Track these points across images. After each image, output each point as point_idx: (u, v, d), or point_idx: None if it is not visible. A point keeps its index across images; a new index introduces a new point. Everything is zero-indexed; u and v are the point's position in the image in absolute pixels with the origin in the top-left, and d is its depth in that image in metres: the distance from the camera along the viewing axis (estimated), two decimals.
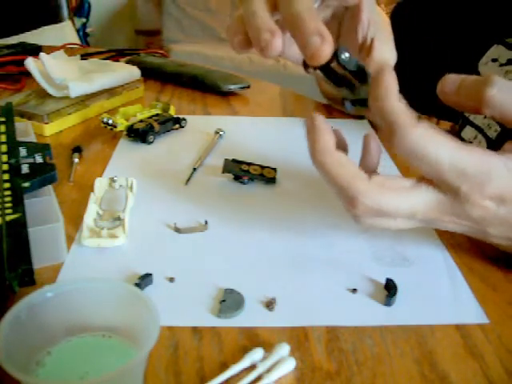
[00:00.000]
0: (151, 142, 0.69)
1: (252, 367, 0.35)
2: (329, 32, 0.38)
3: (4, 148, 0.55)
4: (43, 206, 0.49)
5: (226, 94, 0.89)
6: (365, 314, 0.41)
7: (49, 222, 0.45)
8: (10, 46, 1.04)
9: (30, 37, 1.38)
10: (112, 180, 0.56)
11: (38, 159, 0.56)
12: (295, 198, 0.57)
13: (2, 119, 0.61)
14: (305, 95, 0.92)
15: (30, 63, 0.77)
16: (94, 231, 0.49)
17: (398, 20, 0.75)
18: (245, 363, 0.36)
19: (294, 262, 0.47)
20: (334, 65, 0.38)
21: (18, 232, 0.43)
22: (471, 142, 0.62)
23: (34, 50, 0.99)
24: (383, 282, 0.44)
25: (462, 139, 0.64)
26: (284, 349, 0.37)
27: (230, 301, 0.41)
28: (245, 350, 0.36)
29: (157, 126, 0.69)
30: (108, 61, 0.93)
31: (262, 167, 0.61)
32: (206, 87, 0.91)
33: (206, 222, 0.51)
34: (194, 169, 0.62)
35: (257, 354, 0.36)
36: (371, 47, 0.48)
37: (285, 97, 0.93)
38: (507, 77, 0.59)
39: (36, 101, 0.76)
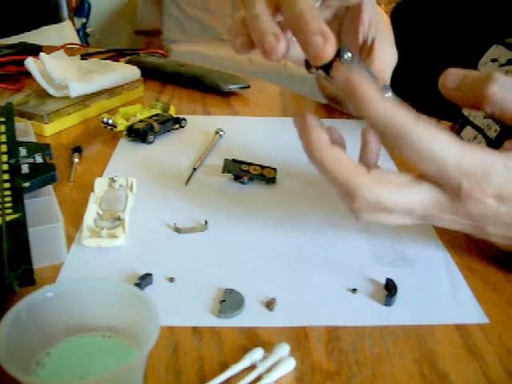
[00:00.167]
0: (151, 142, 0.69)
1: (252, 367, 0.35)
2: (331, 31, 0.38)
3: (4, 148, 0.55)
4: (43, 206, 0.49)
5: (226, 94, 0.89)
6: (365, 314, 0.41)
7: (49, 222, 0.45)
8: (10, 46, 1.04)
9: (30, 37, 1.38)
10: (112, 180, 0.56)
11: (38, 159, 0.56)
12: (295, 197, 0.57)
13: (2, 119, 0.61)
14: (305, 95, 0.92)
15: (30, 63, 0.77)
16: (93, 231, 0.49)
17: (397, 20, 0.75)
18: (245, 363, 0.36)
19: (294, 262, 0.47)
20: (336, 64, 0.38)
21: (18, 232, 0.43)
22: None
23: (34, 50, 0.99)
24: (383, 282, 0.44)
25: (462, 139, 0.64)
26: (284, 349, 0.37)
27: (230, 301, 0.41)
28: (245, 350, 0.36)
29: (157, 126, 0.69)
30: (108, 61, 0.93)
31: (262, 167, 0.61)
32: (206, 87, 0.91)
33: (206, 222, 0.51)
34: (194, 169, 0.62)
35: (257, 354, 0.36)
36: (372, 48, 0.48)
37: (285, 97, 0.93)
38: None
39: (36, 101, 0.76)
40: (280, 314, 0.41)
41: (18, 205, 0.46)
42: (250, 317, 0.41)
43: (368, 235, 0.51)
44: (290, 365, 0.36)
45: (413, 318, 0.41)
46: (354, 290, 0.44)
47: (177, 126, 0.73)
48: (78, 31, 2.69)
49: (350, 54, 0.38)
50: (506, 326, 0.41)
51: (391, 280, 0.44)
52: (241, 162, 0.60)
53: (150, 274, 0.43)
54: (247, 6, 0.41)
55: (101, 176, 0.59)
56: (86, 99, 0.77)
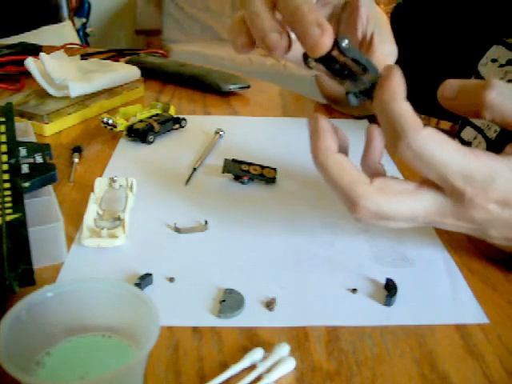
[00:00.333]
0: (151, 142, 0.69)
1: (252, 367, 0.36)
2: (328, 23, 0.38)
3: (4, 148, 0.55)
4: (43, 206, 0.49)
5: (226, 94, 0.89)
6: (365, 314, 0.41)
7: (49, 222, 0.45)
8: (10, 46, 1.04)
9: (30, 37, 1.38)
10: (112, 180, 0.56)
11: (38, 159, 0.56)
12: (295, 197, 0.57)
13: (2, 119, 0.61)
14: (305, 95, 0.92)
15: (30, 63, 0.77)
16: (93, 231, 0.49)
17: (397, 20, 0.75)
18: (245, 363, 0.36)
19: (294, 262, 0.47)
20: (335, 53, 0.38)
21: (18, 232, 0.43)
22: (470, 143, 0.62)
23: (34, 50, 0.99)
24: (383, 282, 0.44)
25: (462, 140, 0.64)
26: (284, 349, 0.37)
27: (229, 301, 0.41)
28: (245, 350, 0.36)
29: (157, 126, 0.69)
30: (108, 61, 0.93)
31: (262, 167, 0.61)
32: (206, 87, 0.91)
33: (206, 222, 0.51)
34: (194, 169, 0.62)
35: (257, 354, 0.36)
36: (371, 43, 0.48)
37: (285, 97, 0.93)
38: (507, 77, 0.59)
39: (36, 101, 0.76)
40: (280, 314, 0.41)
41: (18, 205, 0.46)
42: (250, 317, 0.41)
43: (368, 235, 0.51)
44: (289, 365, 0.36)
45: (413, 318, 0.41)
46: (354, 290, 0.44)
47: (177, 126, 0.73)
48: (77, 31, 2.69)
49: (347, 41, 0.38)
50: (506, 326, 0.41)
51: (391, 280, 0.44)
52: (241, 162, 0.61)
53: (150, 274, 0.43)
54: (246, 4, 0.41)
55: (101, 176, 0.59)
56: (85, 99, 0.77)
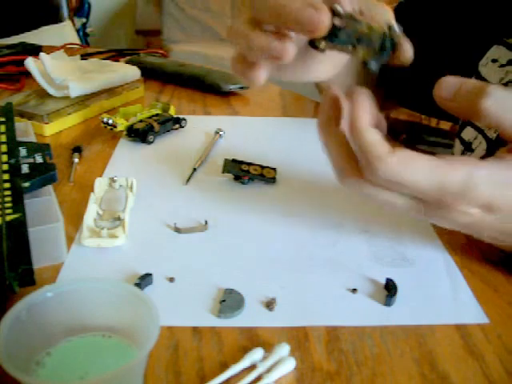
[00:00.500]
0: (151, 142, 0.69)
1: (252, 367, 0.35)
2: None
3: (4, 148, 0.55)
4: (43, 206, 0.49)
5: (226, 94, 0.89)
6: (365, 314, 0.41)
7: (49, 222, 0.45)
8: (10, 46, 1.04)
9: (30, 37, 1.38)
10: (112, 180, 0.56)
11: (38, 159, 0.56)
12: (295, 198, 0.57)
13: (2, 119, 0.61)
14: (305, 95, 0.92)
15: (30, 63, 0.77)
16: (93, 231, 0.49)
17: (398, 20, 0.75)
18: (245, 363, 0.36)
19: (294, 262, 0.47)
20: (336, 22, 0.38)
21: (18, 232, 0.43)
22: (471, 143, 0.62)
23: (34, 50, 0.99)
24: (383, 282, 0.44)
25: (462, 140, 0.64)
26: (284, 349, 0.37)
27: (229, 301, 0.41)
28: (245, 350, 0.36)
29: (157, 126, 0.69)
30: (108, 61, 0.94)
31: (262, 167, 0.61)
32: (206, 87, 0.91)
33: (206, 222, 0.51)
34: (194, 169, 0.62)
35: (257, 354, 0.36)
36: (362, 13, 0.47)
37: (285, 97, 0.93)
38: (507, 77, 0.59)
39: (36, 101, 0.76)
40: (280, 313, 0.41)
41: (18, 205, 0.46)
42: (250, 317, 0.41)
43: (368, 235, 0.51)
44: (290, 365, 0.36)
45: (413, 318, 0.41)
46: (354, 290, 0.44)
47: (177, 126, 0.73)
48: (78, 31, 2.69)
49: (340, 7, 0.38)
50: (506, 325, 0.41)
51: (391, 280, 0.44)
52: (241, 162, 0.60)
53: (150, 274, 0.43)
54: (238, 36, 0.41)
55: (101, 176, 0.59)
56: (85, 99, 0.77)
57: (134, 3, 3.24)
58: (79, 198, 0.55)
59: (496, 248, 0.46)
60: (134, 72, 0.87)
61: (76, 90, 0.75)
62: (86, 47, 1.46)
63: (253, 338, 0.38)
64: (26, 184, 0.50)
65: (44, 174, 0.52)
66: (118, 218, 0.51)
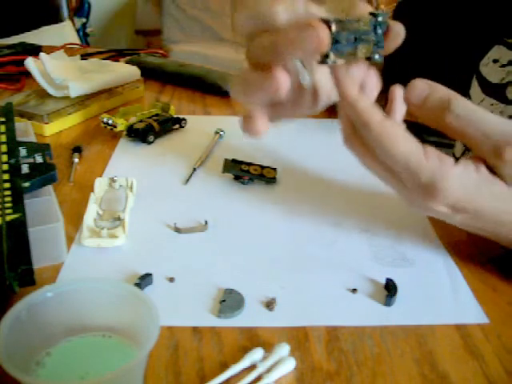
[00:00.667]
0: (151, 142, 0.69)
1: (252, 367, 0.36)
2: (309, 16, 0.38)
3: (4, 148, 0.55)
4: (43, 206, 0.49)
5: (226, 94, 0.89)
6: (365, 314, 0.41)
7: (49, 222, 0.45)
8: (10, 46, 1.04)
9: (30, 37, 1.38)
10: (112, 180, 0.56)
11: (38, 159, 0.56)
12: (295, 198, 0.57)
13: (2, 119, 0.62)
14: None
15: (30, 63, 0.77)
16: (93, 231, 0.49)
17: (399, 20, 0.75)
18: (245, 363, 0.36)
19: (294, 262, 0.47)
20: (334, 28, 0.38)
21: (18, 232, 0.43)
22: None
23: (34, 50, 0.99)
24: (383, 282, 0.44)
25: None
26: (284, 349, 0.37)
27: (229, 301, 0.41)
28: (245, 350, 0.36)
29: (157, 126, 0.69)
30: (108, 61, 0.93)
31: (262, 167, 0.61)
32: (206, 87, 0.91)
33: (206, 222, 0.51)
34: (194, 169, 0.62)
35: (257, 354, 0.36)
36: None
37: None
38: (508, 78, 0.59)
39: (36, 101, 0.76)
40: (280, 313, 0.41)
41: (18, 205, 0.46)
42: (250, 317, 0.41)
43: (368, 235, 0.51)
44: (290, 365, 0.36)
45: (413, 318, 0.41)
46: (354, 290, 0.44)
47: (177, 125, 0.73)
48: (78, 31, 2.69)
49: (329, 17, 0.38)
50: (506, 325, 0.41)
51: (391, 280, 0.44)
52: (241, 162, 0.60)
53: (150, 274, 0.43)
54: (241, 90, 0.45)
55: (101, 176, 0.59)
56: (86, 99, 0.77)
57: (134, 3, 3.24)
58: (79, 198, 0.55)
59: (496, 245, 0.46)
60: (133, 72, 0.87)
61: (76, 90, 0.75)
62: (86, 47, 1.46)
63: (253, 338, 0.38)
64: (26, 184, 0.50)
65: (44, 174, 0.52)
66: (118, 218, 0.51)
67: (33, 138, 0.65)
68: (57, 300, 0.33)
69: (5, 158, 0.53)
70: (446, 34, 0.74)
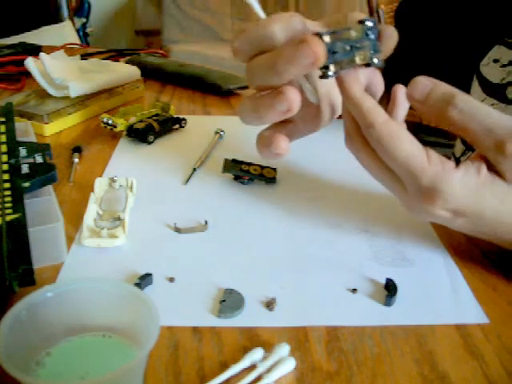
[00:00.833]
0: (151, 142, 0.69)
1: (252, 367, 0.35)
2: (297, 32, 0.39)
3: (4, 148, 0.55)
4: (43, 205, 0.49)
5: (226, 94, 0.89)
6: (365, 314, 0.41)
7: (49, 222, 0.45)
8: (10, 46, 1.04)
9: (30, 37, 1.38)
10: (112, 180, 0.56)
11: (38, 159, 0.56)
12: (295, 198, 0.57)
13: (2, 119, 0.62)
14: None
15: (30, 63, 0.77)
16: (93, 231, 0.49)
17: (399, 20, 0.75)
18: (245, 363, 0.36)
19: (294, 262, 0.47)
20: (328, 39, 0.38)
21: (18, 232, 0.43)
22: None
23: (34, 50, 0.99)
24: (383, 282, 0.44)
25: (463, 139, 0.64)
26: (284, 349, 0.37)
27: (230, 301, 0.41)
28: (245, 350, 0.36)
29: (157, 126, 0.69)
30: (108, 61, 0.93)
31: (262, 167, 0.61)
32: (206, 87, 0.91)
33: (206, 222, 0.51)
34: (194, 169, 0.62)
35: (257, 354, 0.36)
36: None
37: None
38: (509, 78, 0.59)
39: (36, 101, 0.76)
40: (280, 313, 0.41)
41: (18, 205, 0.46)
42: (250, 317, 0.41)
43: (368, 235, 0.51)
44: (290, 365, 0.36)
45: (413, 318, 0.41)
46: (354, 290, 0.44)
47: (177, 125, 0.73)
48: (77, 31, 2.69)
49: (322, 30, 0.38)
50: (506, 325, 0.41)
51: (391, 280, 0.44)
52: (241, 162, 0.60)
53: (150, 274, 0.43)
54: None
55: (101, 176, 0.59)
56: (85, 99, 0.77)
57: (134, 3, 3.23)
58: (79, 198, 0.55)
59: (496, 246, 0.46)
60: (134, 72, 0.87)
61: (76, 90, 0.75)
62: (86, 47, 1.46)
63: (253, 338, 0.38)
64: (26, 184, 0.50)
65: (44, 174, 0.52)
66: (118, 218, 0.51)
67: (33, 138, 0.65)
68: (57, 300, 0.33)
69: (5, 158, 0.53)
70: (446, 34, 0.74)
